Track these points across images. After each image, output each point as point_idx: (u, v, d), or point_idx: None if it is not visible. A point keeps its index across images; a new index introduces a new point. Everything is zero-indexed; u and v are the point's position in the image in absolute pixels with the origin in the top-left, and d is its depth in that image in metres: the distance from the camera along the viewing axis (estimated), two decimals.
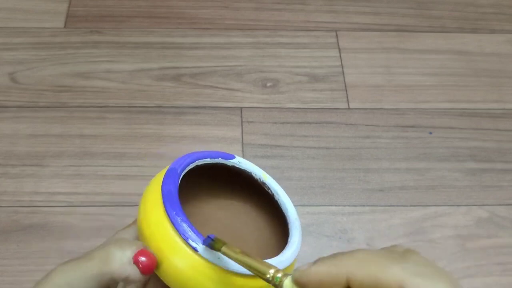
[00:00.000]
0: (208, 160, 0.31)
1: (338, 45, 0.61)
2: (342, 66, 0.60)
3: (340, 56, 0.60)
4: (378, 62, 0.60)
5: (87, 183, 0.50)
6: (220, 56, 0.60)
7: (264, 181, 0.32)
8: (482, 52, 0.62)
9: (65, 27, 0.61)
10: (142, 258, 0.26)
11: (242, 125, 0.55)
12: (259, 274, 0.23)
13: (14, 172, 0.51)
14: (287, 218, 0.31)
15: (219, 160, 0.31)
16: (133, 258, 0.27)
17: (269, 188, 0.32)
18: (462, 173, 0.53)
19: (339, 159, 0.53)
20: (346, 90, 0.58)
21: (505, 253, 0.48)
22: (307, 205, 0.50)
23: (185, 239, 0.26)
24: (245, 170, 0.32)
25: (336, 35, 0.62)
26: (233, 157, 0.31)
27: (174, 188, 0.28)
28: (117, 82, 0.57)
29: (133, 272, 0.27)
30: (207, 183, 0.33)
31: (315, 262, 0.22)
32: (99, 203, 0.49)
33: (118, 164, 0.52)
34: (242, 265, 0.24)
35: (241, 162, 0.32)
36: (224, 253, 0.25)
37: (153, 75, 0.58)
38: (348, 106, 0.57)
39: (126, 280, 0.27)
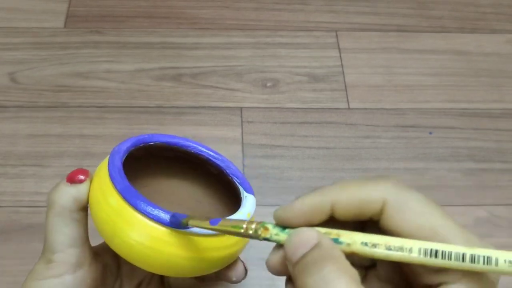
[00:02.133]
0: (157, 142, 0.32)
1: (338, 45, 0.61)
2: (342, 66, 0.60)
3: (340, 56, 0.60)
4: (378, 62, 0.60)
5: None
6: (220, 56, 0.60)
7: (202, 153, 0.32)
8: (482, 52, 0.62)
9: (65, 27, 0.61)
10: (74, 175, 0.28)
11: (242, 125, 0.55)
12: (233, 233, 0.23)
13: (14, 172, 0.51)
14: (240, 190, 0.31)
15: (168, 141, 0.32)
16: (66, 181, 0.28)
17: (212, 161, 0.32)
18: (461, 173, 0.53)
19: (339, 159, 0.53)
20: (346, 90, 0.58)
21: None
22: None
23: (136, 207, 0.26)
24: (186, 148, 0.32)
25: (336, 35, 0.62)
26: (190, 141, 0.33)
27: (118, 160, 0.28)
28: (117, 82, 0.57)
29: (75, 190, 0.28)
30: (156, 164, 0.34)
31: (296, 199, 0.22)
32: None
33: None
34: (213, 230, 0.24)
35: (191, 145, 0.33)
36: (193, 226, 0.24)
37: (153, 75, 0.58)
38: (348, 106, 0.57)
39: (79, 203, 0.28)
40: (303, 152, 0.53)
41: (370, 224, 0.22)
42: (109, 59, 0.59)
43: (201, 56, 0.60)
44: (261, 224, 0.23)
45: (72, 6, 0.63)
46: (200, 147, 0.32)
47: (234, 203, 0.31)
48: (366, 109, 0.57)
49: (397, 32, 0.63)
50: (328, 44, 0.61)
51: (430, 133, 0.55)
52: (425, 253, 0.19)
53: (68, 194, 0.28)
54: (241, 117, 0.55)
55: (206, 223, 0.23)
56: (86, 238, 0.30)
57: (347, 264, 0.20)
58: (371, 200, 0.21)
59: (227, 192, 0.33)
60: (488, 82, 0.59)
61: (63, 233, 0.28)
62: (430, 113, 0.57)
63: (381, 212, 0.21)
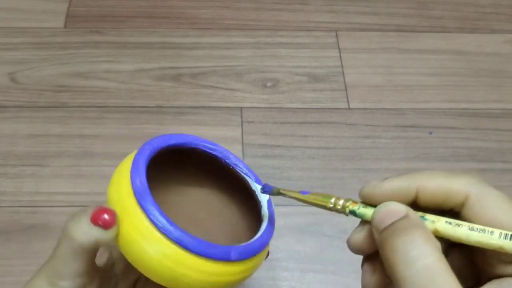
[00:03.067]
0: (189, 144, 0.31)
1: (338, 45, 0.61)
2: (342, 66, 0.60)
3: (340, 56, 0.60)
4: (378, 62, 0.60)
5: (87, 183, 0.50)
6: (220, 56, 0.60)
7: (242, 171, 0.32)
8: (482, 52, 0.62)
9: (65, 27, 0.61)
10: (100, 216, 0.27)
11: (242, 125, 0.55)
12: (321, 206, 0.25)
13: (14, 172, 0.51)
14: (261, 210, 0.31)
15: (202, 147, 0.32)
16: (90, 220, 0.27)
17: (246, 181, 0.32)
18: None
19: (339, 159, 0.53)
20: (346, 90, 0.58)
21: None
22: (307, 205, 0.50)
23: (150, 219, 0.26)
24: (224, 159, 0.32)
25: (336, 35, 0.62)
26: (222, 149, 0.32)
27: (142, 171, 0.28)
28: (117, 82, 0.57)
29: (99, 233, 0.27)
30: (178, 170, 0.33)
31: (384, 179, 0.24)
32: (99, 203, 0.49)
33: (118, 164, 0.52)
34: (302, 202, 0.26)
35: (229, 156, 0.32)
36: (284, 194, 0.27)
37: (153, 75, 0.58)
38: (348, 106, 0.57)
39: (100, 244, 0.27)
40: (303, 152, 0.53)
41: (447, 215, 0.24)
42: (109, 59, 0.59)
43: (201, 56, 0.60)
44: (348, 199, 0.24)
45: (72, 6, 0.63)
46: (229, 156, 0.32)
47: (255, 216, 0.31)
48: (366, 109, 0.57)
49: (397, 32, 0.63)
50: (328, 44, 0.61)
51: (430, 133, 0.55)
52: (505, 237, 0.21)
53: (91, 237, 0.26)
54: (241, 117, 0.55)
55: (298, 194, 0.26)
56: (94, 265, 0.29)
57: (432, 235, 0.21)
58: (456, 191, 0.23)
59: (249, 204, 0.32)
60: (488, 82, 0.59)
61: (74, 267, 0.27)
62: (430, 113, 0.57)
63: (463, 203, 0.23)
